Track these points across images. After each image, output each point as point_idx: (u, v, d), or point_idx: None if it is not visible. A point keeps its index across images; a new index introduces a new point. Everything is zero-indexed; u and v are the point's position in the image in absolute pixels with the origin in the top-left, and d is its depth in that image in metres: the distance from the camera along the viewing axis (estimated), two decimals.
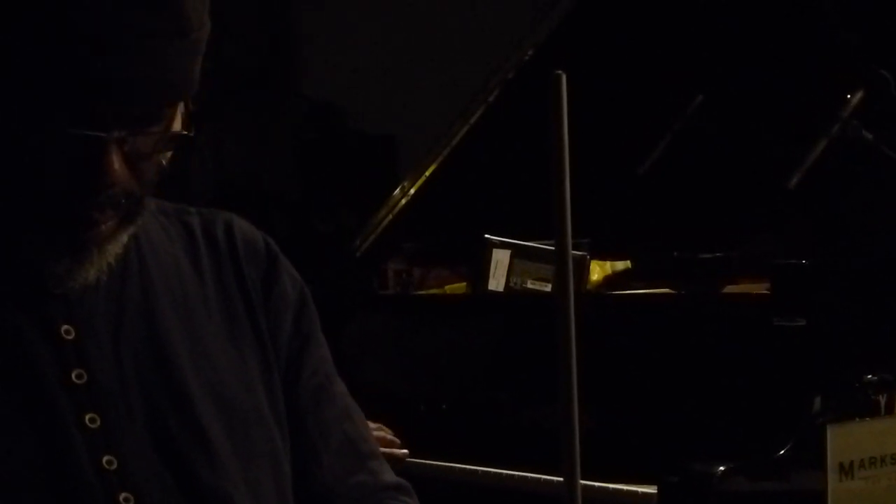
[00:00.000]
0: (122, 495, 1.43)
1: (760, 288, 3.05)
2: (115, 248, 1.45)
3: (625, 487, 2.75)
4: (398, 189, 3.76)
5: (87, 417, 1.44)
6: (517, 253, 3.41)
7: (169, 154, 1.47)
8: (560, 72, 1.18)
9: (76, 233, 1.42)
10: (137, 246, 1.54)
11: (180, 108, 1.46)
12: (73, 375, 1.45)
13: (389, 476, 1.65)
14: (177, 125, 1.45)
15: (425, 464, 3.12)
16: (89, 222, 1.42)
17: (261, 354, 1.57)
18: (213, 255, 1.60)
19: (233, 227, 1.62)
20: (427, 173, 3.72)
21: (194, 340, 1.53)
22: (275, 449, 1.55)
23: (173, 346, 1.51)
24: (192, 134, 1.47)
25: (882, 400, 2.83)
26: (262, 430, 1.54)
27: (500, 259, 3.41)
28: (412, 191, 3.72)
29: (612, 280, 3.68)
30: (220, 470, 1.48)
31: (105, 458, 1.43)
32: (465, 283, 3.63)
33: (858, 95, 3.29)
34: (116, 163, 1.39)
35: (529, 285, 3.41)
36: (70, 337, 1.46)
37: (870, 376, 2.83)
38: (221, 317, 1.57)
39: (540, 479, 2.83)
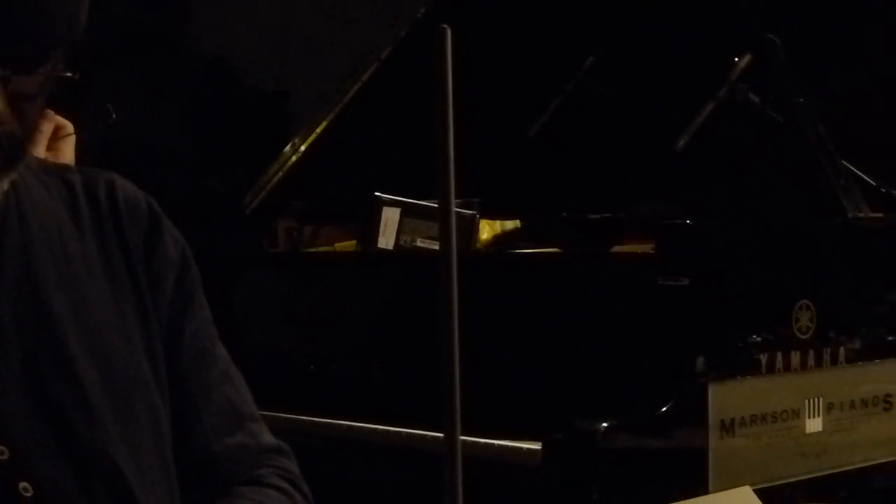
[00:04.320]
0: None
1: (646, 248, 3.08)
2: None
3: (509, 444, 2.77)
4: (288, 146, 3.74)
5: None
6: (407, 211, 3.41)
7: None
8: (445, 26, 1.17)
9: None
10: (18, 202, 1.51)
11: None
12: None
13: (269, 438, 1.65)
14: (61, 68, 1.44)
15: (310, 421, 3.12)
16: None
17: (142, 315, 1.55)
18: (94, 214, 1.57)
19: (115, 186, 1.60)
20: (318, 130, 3.70)
21: (75, 298, 1.51)
22: (155, 411, 1.53)
23: (53, 302, 1.49)
24: (76, 76, 1.45)
25: (763, 359, 2.88)
26: (143, 391, 1.52)
27: (390, 217, 3.41)
28: (303, 148, 3.70)
29: (501, 239, 3.70)
30: (98, 427, 1.46)
31: None
32: (354, 241, 3.63)
33: (746, 59, 3.32)
34: None
35: (419, 243, 3.42)
36: None
37: (752, 336, 2.87)
38: (102, 275, 1.54)
39: (426, 435, 2.84)
